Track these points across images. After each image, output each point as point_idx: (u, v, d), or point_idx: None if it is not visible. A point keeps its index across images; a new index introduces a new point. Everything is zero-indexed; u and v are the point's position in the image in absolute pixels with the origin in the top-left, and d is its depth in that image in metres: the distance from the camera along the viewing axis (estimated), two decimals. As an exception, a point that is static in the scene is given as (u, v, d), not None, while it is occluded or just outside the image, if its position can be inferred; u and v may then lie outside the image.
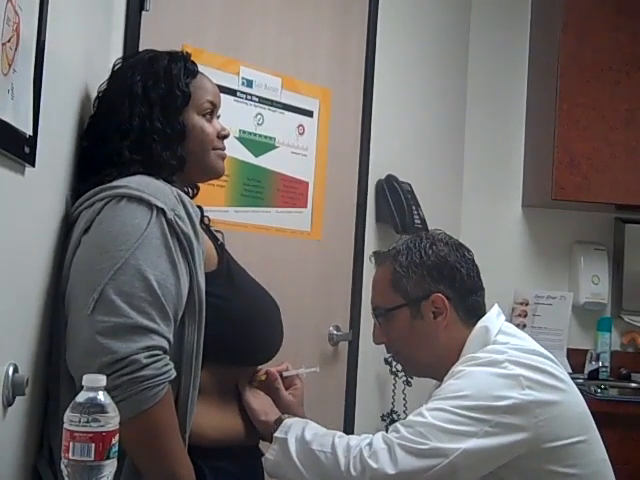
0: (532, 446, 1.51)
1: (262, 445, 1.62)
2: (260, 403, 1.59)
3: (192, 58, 1.63)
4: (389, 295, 1.68)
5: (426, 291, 1.65)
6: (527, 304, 3.41)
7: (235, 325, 1.51)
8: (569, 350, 3.38)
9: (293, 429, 1.56)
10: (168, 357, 1.35)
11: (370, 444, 1.50)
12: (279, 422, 1.58)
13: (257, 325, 1.56)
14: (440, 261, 1.66)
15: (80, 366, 1.30)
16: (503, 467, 1.52)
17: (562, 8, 3.17)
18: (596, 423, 1.63)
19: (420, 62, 3.17)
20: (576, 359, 3.33)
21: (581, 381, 3.10)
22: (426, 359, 1.68)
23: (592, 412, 1.64)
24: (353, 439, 1.54)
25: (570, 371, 3.19)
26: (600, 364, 3.26)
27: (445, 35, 3.34)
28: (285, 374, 1.67)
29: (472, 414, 1.49)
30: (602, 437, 1.63)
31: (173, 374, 1.35)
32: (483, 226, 3.44)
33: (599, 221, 3.49)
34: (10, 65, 1.06)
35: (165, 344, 1.34)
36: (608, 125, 3.15)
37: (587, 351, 3.34)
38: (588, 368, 3.28)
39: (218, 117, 1.64)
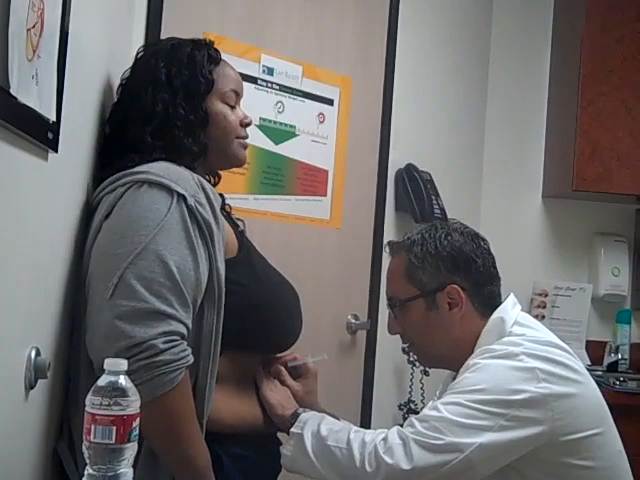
0: (549, 439, 1.50)
1: (281, 434, 1.62)
2: (277, 396, 1.59)
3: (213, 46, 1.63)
4: (404, 286, 1.67)
5: (441, 282, 1.64)
6: (546, 295, 3.40)
7: (254, 312, 1.51)
8: (588, 342, 3.37)
9: (309, 424, 1.56)
10: (186, 343, 1.36)
11: (385, 439, 1.50)
12: (295, 416, 1.58)
13: (276, 312, 1.57)
14: (455, 252, 1.65)
15: (99, 350, 1.32)
16: (519, 459, 1.52)
17: (585, -3, 3.15)
18: (614, 415, 1.62)
19: (441, 51, 3.15)
20: (595, 351, 3.32)
21: (600, 373, 3.09)
22: (441, 350, 1.68)
23: (610, 404, 1.64)
24: (368, 434, 1.53)
25: (589, 363, 3.18)
26: (619, 356, 3.25)
27: (466, 24, 3.32)
28: (290, 364, 1.66)
29: (488, 408, 1.49)
30: (620, 429, 1.62)
31: (190, 360, 1.36)
32: (503, 217, 3.42)
33: (620, 212, 3.46)
34: (35, 51, 1.07)
35: (183, 330, 1.35)
36: (631, 115, 3.13)
37: (606, 343, 3.32)
38: (607, 360, 3.26)
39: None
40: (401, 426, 1.54)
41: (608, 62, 3.13)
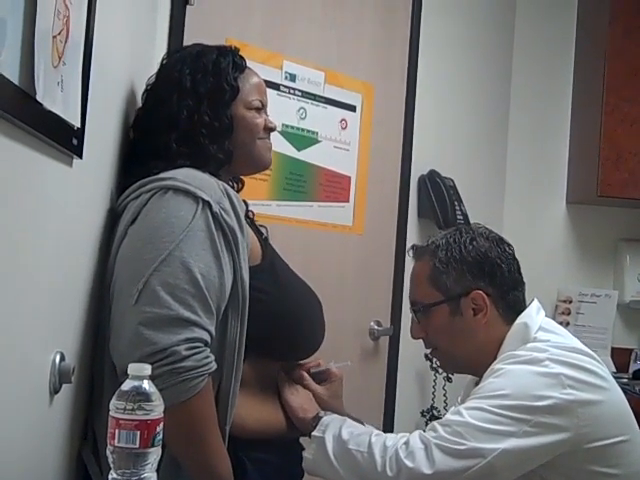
0: (574, 446, 1.49)
1: (303, 439, 1.62)
2: (298, 400, 1.59)
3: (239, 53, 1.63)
4: (428, 291, 1.66)
5: (466, 287, 1.63)
6: (571, 302, 3.37)
7: (277, 319, 1.51)
8: (613, 349, 3.34)
9: (330, 428, 1.55)
10: (209, 350, 1.36)
11: (407, 443, 1.49)
12: (317, 419, 1.57)
13: (299, 320, 1.57)
14: (481, 257, 1.63)
15: (123, 355, 1.32)
16: (544, 466, 1.51)
17: (609, 2, 3.13)
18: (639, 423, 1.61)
19: (463, 57, 3.15)
20: (620, 358, 3.28)
21: (625, 380, 3.06)
22: (465, 355, 1.66)
23: (636, 412, 1.62)
24: (390, 438, 1.52)
25: (614, 370, 3.15)
26: (645, 364, 3.22)
27: (489, 30, 3.31)
28: (313, 371, 1.65)
29: (511, 414, 1.47)
30: (646, 437, 1.61)
31: (213, 367, 1.36)
32: (527, 223, 3.40)
33: (646, 218, 3.43)
34: (60, 58, 1.08)
35: (206, 336, 1.35)
36: (656, 121, 3.10)
37: (632, 350, 3.29)
38: (633, 368, 3.23)
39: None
40: (423, 431, 1.53)
41: (632, 66, 3.11)
